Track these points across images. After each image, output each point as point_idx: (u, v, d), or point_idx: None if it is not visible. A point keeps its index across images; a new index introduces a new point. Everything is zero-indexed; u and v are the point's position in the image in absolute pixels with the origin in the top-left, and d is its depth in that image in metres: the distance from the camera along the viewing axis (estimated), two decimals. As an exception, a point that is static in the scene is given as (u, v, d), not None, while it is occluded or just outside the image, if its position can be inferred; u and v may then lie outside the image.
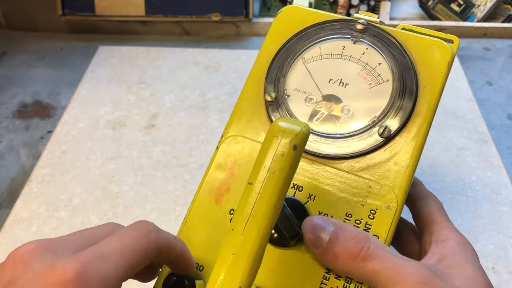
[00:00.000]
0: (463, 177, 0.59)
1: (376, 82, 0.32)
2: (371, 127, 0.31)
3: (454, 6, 0.90)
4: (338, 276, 0.28)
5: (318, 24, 0.35)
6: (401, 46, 0.33)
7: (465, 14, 0.89)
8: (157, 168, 0.61)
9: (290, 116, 0.32)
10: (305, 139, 0.25)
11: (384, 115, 0.31)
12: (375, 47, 0.33)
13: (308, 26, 0.35)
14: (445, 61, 0.32)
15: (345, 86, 0.33)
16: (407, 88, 0.32)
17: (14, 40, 0.86)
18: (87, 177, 0.60)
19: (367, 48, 0.33)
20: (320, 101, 0.33)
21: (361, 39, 0.34)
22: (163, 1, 0.83)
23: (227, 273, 0.23)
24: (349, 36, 0.34)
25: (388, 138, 0.31)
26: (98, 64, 0.79)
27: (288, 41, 0.35)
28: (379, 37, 0.33)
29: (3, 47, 0.84)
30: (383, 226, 0.29)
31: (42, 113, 0.71)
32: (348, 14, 0.87)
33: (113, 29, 0.87)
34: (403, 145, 0.31)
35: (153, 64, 0.79)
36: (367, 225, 0.29)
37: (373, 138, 0.31)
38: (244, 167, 0.32)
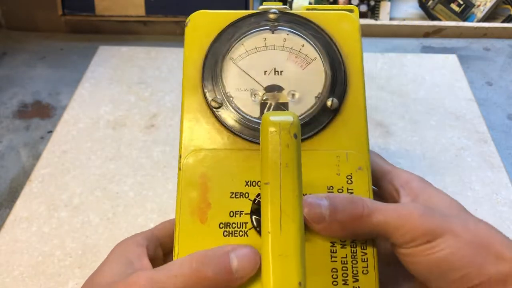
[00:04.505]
0: (463, 177, 0.59)
1: (306, 62, 0.34)
2: (318, 104, 0.33)
3: (454, 6, 0.90)
4: (343, 244, 0.29)
5: (233, 23, 0.36)
6: (315, 24, 0.35)
7: (465, 14, 0.89)
8: (157, 168, 0.61)
9: (241, 114, 0.33)
10: (299, 126, 0.26)
11: (327, 89, 0.34)
12: (293, 31, 0.35)
13: (225, 27, 0.36)
14: (355, 29, 0.35)
15: (280, 74, 0.34)
16: (334, 60, 0.34)
17: (14, 40, 0.86)
18: (87, 177, 0.60)
19: (287, 34, 0.35)
20: (264, 93, 0.34)
21: (278, 27, 0.35)
22: (163, 1, 0.83)
23: (282, 275, 0.23)
24: (267, 27, 0.35)
25: (336, 109, 0.33)
26: (98, 64, 0.79)
27: (210, 46, 0.35)
28: (293, 22, 0.35)
29: (3, 47, 0.84)
30: (363, 187, 0.31)
31: (42, 113, 0.71)
32: (348, 14, 0.87)
33: (113, 29, 0.87)
34: (351, 111, 0.33)
35: (153, 64, 0.79)
36: (349, 191, 0.31)
37: (324, 112, 0.33)
38: (216, 178, 0.31)
